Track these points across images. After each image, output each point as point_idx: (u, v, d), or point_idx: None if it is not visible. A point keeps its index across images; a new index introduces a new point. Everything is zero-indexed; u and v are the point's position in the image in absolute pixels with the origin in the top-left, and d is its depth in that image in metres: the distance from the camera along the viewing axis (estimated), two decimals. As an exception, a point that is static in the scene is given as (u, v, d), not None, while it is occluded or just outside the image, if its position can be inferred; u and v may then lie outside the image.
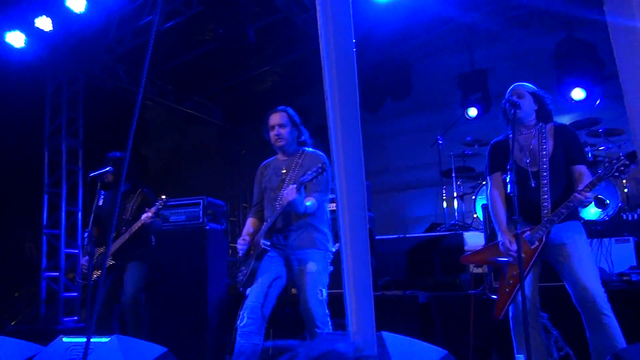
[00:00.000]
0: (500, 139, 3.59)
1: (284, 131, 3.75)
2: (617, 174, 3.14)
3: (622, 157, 3.16)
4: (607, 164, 3.21)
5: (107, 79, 7.96)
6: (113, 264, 4.50)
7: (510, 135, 3.38)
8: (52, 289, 7.47)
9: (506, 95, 3.50)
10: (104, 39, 7.19)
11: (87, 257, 4.56)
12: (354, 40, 1.60)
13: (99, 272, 4.49)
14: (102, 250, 4.58)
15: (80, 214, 7.75)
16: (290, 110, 3.83)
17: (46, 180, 7.63)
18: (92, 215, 4.35)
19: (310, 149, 3.84)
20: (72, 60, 7.55)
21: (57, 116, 7.76)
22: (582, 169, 3.32)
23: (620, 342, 3.03)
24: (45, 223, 7.56)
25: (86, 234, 4.49)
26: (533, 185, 3.31)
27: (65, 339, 3.35)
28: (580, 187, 3.20)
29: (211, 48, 7.54)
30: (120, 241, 4.51)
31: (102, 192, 4.36)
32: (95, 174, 4.48)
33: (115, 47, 7.40)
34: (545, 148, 3.36)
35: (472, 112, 7.87)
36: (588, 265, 3.20)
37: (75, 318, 7.50)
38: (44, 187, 7.61)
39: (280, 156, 3.88)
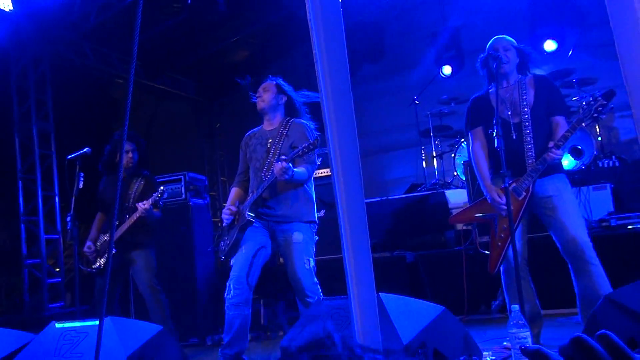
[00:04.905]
0: (480, 94, 3.58)
1: (266, 95, 3.76)
2: (596, 114, 3.10)
3: (600, 97, 3.14)
4: (585, 106, 3.19)
5: (74, 58, 7.70)
6: (115, 252, 4.38)
7: (492, 90, 3.37)
8: (34, 277, 7.33)
9: (487, 50, 3.48)
10: (68, 16, 6.92)
11: (89, 243, 4.49)
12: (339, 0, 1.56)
13: (102, 260, 4.41)
14: (107, 237, 4.49)
15: (57, 198, 7.57)
16: (281, 81, 3.85)
17: (19, 166, 7.41)
18: (73, 199, 4.27)
19: (297, 119, 3.80)
20: (36, 40, 7.28)
21: (26, 99, 7.48)
22: (559, 120, 3.32)
23: (607, 289, 3.10)
24: (22, 210, 7.36)
25: (68, 218, 4.39)
26: (514, 137, 3.31)
27: (58, 325, 3.31)
28: (557, 136, 3.21)
29: (180, 19, 7.33)
30: (119, 232, 4.40)
31: (82, 173, 4.27)
32: (73, 156, 4.39)
33: (81, 24, 7.11)
34: (526, 99, 3.35)
35: (447, 70, 7.86)
36: (575, 217, 3.25)
37: (61, 304, 7.41)
38: (17, 174, 7.38)
39: (265, 126, 3.85)
